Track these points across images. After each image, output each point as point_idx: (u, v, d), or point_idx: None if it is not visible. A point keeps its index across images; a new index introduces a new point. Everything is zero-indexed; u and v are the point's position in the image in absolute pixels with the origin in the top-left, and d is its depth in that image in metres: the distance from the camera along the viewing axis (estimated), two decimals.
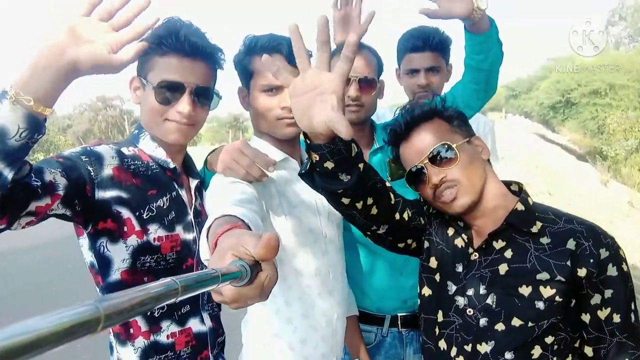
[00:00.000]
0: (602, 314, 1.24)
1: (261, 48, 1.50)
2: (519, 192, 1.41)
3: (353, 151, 1.16)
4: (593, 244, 1.24)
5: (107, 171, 1.33)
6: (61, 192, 1.18)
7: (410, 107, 1.41)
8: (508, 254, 1.31)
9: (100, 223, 1.35)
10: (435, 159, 1.33)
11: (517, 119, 33.75)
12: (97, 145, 1.38)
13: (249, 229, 0.98)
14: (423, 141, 1.36)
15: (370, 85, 1.86)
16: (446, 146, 1.33)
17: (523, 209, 1.34)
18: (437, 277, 1.43)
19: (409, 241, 1.47)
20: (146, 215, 1.40)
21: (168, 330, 1.46)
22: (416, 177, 1.38)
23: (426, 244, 1.48)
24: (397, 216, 1.39)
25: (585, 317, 1.26)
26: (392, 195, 1.39)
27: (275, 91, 1.52)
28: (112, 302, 0.44)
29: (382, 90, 1.99)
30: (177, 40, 1.38)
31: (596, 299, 1.24)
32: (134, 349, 1.43)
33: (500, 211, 1.34)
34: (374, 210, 1.32)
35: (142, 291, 0.49)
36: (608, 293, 1.23)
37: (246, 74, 1.56)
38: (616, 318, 1.23)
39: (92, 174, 1.30)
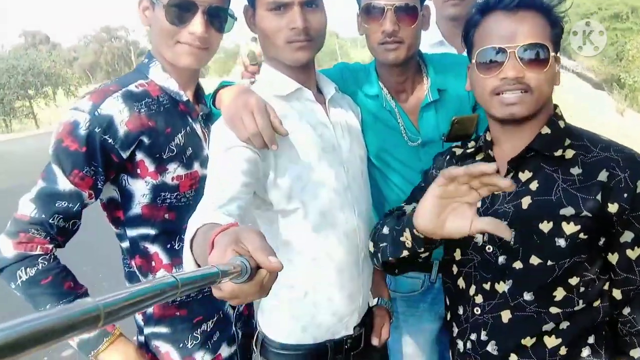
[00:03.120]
0: (633, 253, 1.15)
1: None
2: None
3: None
4: (630, 176, 1.12)
5: (122, 130, 1.31)
6: (91, 202, 1.36)
7: None
8: (533, 186, 1.21)
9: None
10: (527, 54, 1.16)
11: None
12: (102, 100, 1.32)
13: None
14: (527, 26, 1.17)
15: (410, 15, 1.54)
16: (546, 49, 1.17)
17: (549, 132, 1.23)
18: None
19: None
20: (166, 156, 1.39)
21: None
22: (489, 58, 1.19)
23: None
24: None
25: (613, 258, 1.17)
26: None
27: (283, 9, 1.36)
28: (112, 300, 0.44)
29: (428, 20, 1.67)
30: None
31: (626, 237, 1.14)
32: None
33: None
34: None
35: (141, 288, 0.49)
36: None
37: None
38: None
39: (110, 141, 1.30)
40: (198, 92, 1.57)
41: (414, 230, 1.13)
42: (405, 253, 1.22)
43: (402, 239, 1.20)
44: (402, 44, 1.55)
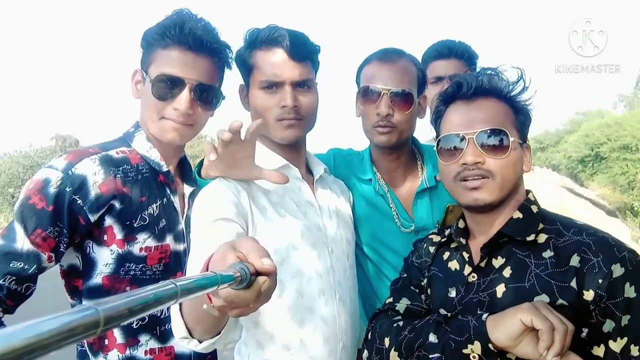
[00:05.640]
0: (617, 345, 1.03)
1: (261, 41, 1.42)
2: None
3: None
4: (603, 260, 1.05)
5: (94, 192, 1.28)
6: (49, 266, 1.28)
7: (494, 72, 1.23)
8: (507, 272, 1.15)
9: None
10: (485, 140, 1.16)
11: (544, 172, 33.29)
12: (78, 160, 1.30)
13: None
14: (485, 113, 1.19)
15: (405, 100, 1.59)
16: (504, 134, 1.16)
17: (521, 216, 1.19)
18: (430, 306, 1.30)
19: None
20: (137, 224, 1.33)
21: (147, 346, 1.35)
22: (451, 145, 1.20)
23: (424, 281, 1.34)
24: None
25: (599, 351, 1.05)
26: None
27: (275, 88, 1.41)
28: (112, 305, 0.44)
29: (424, 108, 1.74)
30: (180, 32, 1.33)
31: (608, 326, 1.03)
32: None
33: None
34: None
35: (141, 294, 0.49)
36: (625, 319, 1.02)
37: (246, 70, 1.47)
38: (635, 351, 1.02)
39: (79, 202, 1.26)
40: (183, 167, 1.53)
41: (490, 345, 1.03)
42: None
43: (465, 351, 1.07)
44: (395, 128, 1.60)
